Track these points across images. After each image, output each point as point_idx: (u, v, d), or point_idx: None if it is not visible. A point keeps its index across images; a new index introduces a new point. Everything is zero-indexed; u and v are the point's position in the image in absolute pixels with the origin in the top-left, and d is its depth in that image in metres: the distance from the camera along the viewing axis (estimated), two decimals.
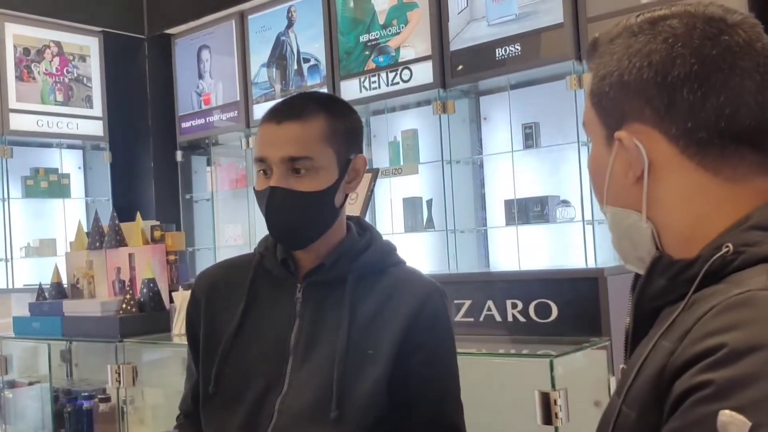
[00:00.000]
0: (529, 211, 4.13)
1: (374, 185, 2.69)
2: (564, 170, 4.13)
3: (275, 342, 1.42)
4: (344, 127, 1.42)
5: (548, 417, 1.75)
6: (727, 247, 0.82)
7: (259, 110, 5.09)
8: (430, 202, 4.53)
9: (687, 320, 0.80)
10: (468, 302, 2.18)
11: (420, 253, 4.48)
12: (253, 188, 1.44)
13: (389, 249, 1.51)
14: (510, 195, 4.22)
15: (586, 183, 3.88)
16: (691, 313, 0.81)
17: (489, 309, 2.14)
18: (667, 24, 0.90)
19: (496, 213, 4.38)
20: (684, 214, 0.90)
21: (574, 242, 4.00)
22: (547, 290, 2.05)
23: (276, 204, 1.37)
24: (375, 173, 2.73)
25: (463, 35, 4.25)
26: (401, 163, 4.54)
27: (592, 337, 1.96)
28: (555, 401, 1.73)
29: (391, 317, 1.39)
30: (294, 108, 1.40)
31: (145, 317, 2.73)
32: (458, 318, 2.19)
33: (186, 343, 1.58)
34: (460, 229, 4.32)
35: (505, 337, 2.08)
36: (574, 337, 1.98)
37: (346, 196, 1.46)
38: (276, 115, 1.40)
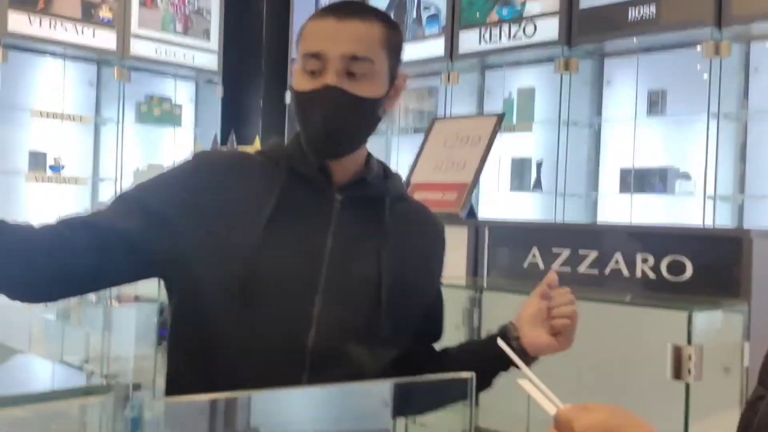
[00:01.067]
0: (646, 181, 3.96)
1: (498, 129, 2.61)
2: (688, 142, 3.93)
3: (310, 246, 1.31)
4: (397, 39, 1.33)
5: (679, 372, 1.65)
6: None
7: None
8: (540, 164, 4.40)
9: None
10: (594, 253, 2.09)
11: (524, 215, 4.37)
12: (290, 88, 1.32)
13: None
14: (627, 163, 4.06)
15: (712, 156, 3.69)
16: None
17: (616, 262, 2.05)
18: None
19: (609, 180, 4.23)
20: None
21: (690, 217, 3.82)
22: (684, 247, 1.94)
23: (329, 105, 1.26)
24: (500, 118, 2.65)
25: None
26: (514, 122, 4.43)
27: (728, 300, 1.84)
28: (690, 356, 1.63)
29: (423, 243, 1.42)
30: (354, 7, 1.30)
31: None
32: (582, 270, 2.10)
33: None
34: (570, 193, 4.19)
35: (633, 292, 1.99)
36: (709, 298, 1.87)
37: (385, 111, 1.35)
38: (336, 12, 1.28)
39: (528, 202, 4.45)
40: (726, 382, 1.83)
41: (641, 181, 3.98)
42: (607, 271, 2.06)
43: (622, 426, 0.88)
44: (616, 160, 4.19)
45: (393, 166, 4.54)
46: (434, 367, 1.36)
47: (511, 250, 2.25)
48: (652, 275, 1.98)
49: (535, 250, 2.19)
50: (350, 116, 1.28)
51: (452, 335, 2.30)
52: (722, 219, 3.72)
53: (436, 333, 1.49)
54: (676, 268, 1.95)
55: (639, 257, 2.01)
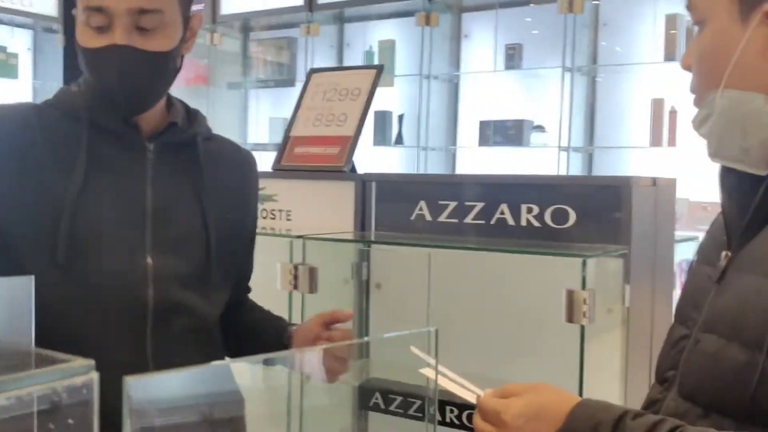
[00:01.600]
0: (504, 133, 4.11)
1: (378, 82, 2.60)
2: (544, 95, 4.11)
3: (130, 201, 1.29)
4: None
5: (572, 316, 1.74)
6: None
7: (228, 4, 4.85)
8: (401, 117, 4.45)
9: None
10: (480, 204, 2.14)
11: (387, 168, 4.41)
12: (76, 42, 1.24)
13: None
14: (486, 116, 4.18)
15: (566, 109, 3.87)
16: None
17: (502, 213, 2.11)
18: None
19: (468, 133, 4.34)
20: None
21: (546, 168, 4.01)
22: (567, 196, 2.02)
23: (122, 65, 1.20)
24: (380, 70, 2.63)
25: None
26: None
27: (609, 245, 1.94)
28: (584, 300, 1.72)
29: (238, 180, 1.46)
30: None
31: None
32: (468, 220, 2.15)
33: None
34: (431, 146, 4.26)
35: (520, 240, 2.06)
36: (592, 245, 1.96)
37: (182, 57, 1.33)
38: None
39: (390, 156, 4.50)
40: (609, 323, 1.94)
41: (499, 133, 4.12)
42: (493, 221, 2.11)
43: (546, 403, 0.93)
44: (474, 114, 4.31)
45: (252, 120, 4.44)
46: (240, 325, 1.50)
47: (397, 203, 2.26)
48: (537, 224, 2.06)
49: (422, 204, 2.22)
50: (146, 74, 1.24)
51: (341, 289, 2.31)
52: (574, 169, 3.93)
53: (249, 272, 1.58)
54: (560, 216, 2.03)
55: (524, 207, 2.08)
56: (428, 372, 1.02)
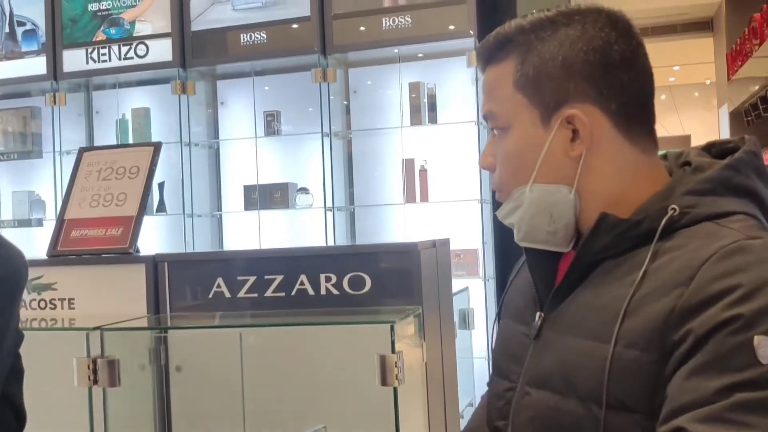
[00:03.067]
0: (269, 197, 4.20)
1: (158, 158, 2.58)
2: (304, 159, 4.27)
3: None
4: None
5: (385, 379, 1.85)
6: (673, 209, 0.98)
7: None
8: (161, 185, 4.37)
9: (666, 269, 0.94)
10: (280, 277, 2.20)
11: (152, 238, 4.30)
12: None
13: None
14: (250, 180, 4.24)
15: (327, 171, 4.05)
16: (665, 263, 0.95)
17: (302, 283, 2.19)
18: (591, 16, 1.05)
19: (232, 198, 4.37)
20: (614, 182, 1.04)
21: (313, 228, 4.16)
22: (362, 263, 2.15)
23: None
24: (158, 147, 2.61)
25: (206, 16, 4.18)
26: (131, 142, 4.32)
27: (405, 306, 2.10)
28: (396, 363, 1.84)
29: None
30: None
31: None
32: (268, 293, 2.20)
33: None
34: (197, 213, 4.24)
35: (321, 309, 2.14)
36: (388, 307, 2.11)
37: None
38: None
39: (152, 225, 4.38)
40: (411, 380, 2.09)
41: (264, 197, 4.20)
42: (294, 292, 2.19)
43: None
44: (238, 179, 4.35)
45: None
46: None
47: (193, 282, 2.25)
48: (335, 291, 2.16)
49: (219, 281, 2.23)
50: None
51: (139, 376, 2.24)
52: (339, 228, 4.12)
53: None
54: (357, 283, 2.16)
55: (323, 276, 2.18)
56: None
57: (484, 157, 1.13)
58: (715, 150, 1.10)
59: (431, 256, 2.22)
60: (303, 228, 4.25)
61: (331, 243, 4.04)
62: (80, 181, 2.57)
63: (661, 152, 1.18)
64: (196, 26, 4.19)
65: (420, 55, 4.11)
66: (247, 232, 4.27)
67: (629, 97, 1.04)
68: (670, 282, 0.92)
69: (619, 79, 1.03)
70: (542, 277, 1.12)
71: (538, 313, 1.09)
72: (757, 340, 0.84)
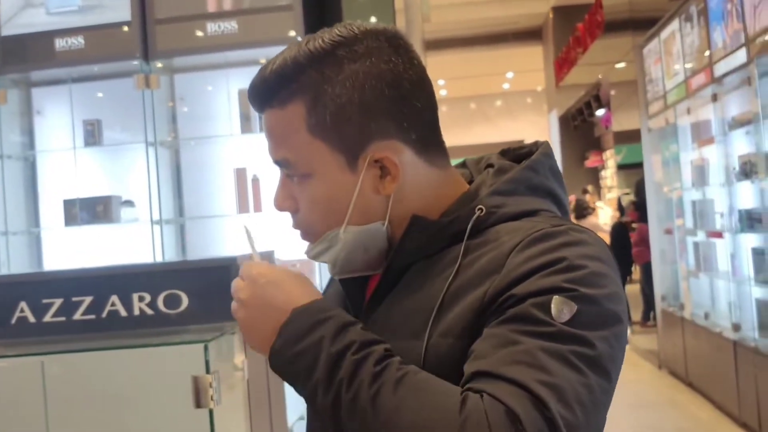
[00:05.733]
0: (91, 211, 3.98)
1: None
2: (128, 169, 4.08)
3: None
4: None
5: (200, 401, 1.79)
6: (480, 209, 1.02)
7: None
8: None
9: (477, 263, 0.97)
10: (88, 299, 2.08)
11: None
12: None
13: None
14: (69, 194, 4.01)
15: (153, 182, 3.90)
16: (475, 258, 0.98)
17: (113, 304, 2.07)
18: (372, 44, 1.01)
19: (51, 213, 4.11)
20: (420, 202, 1.06)
21: (140, 242, 3.98)
22: (178, 281, 2.07)
23: None
24: None
25: (18, 20, 3.91)
26: None
27: (223, 323, 2.03)
28: (210, 384, 1.78)
29: None
30: None
31: None
32: (77, 316, 2.07)
33: None
34: (12, 231, 3.95)
35: (136, 331, 2.04)
36: (206, 325, 2.03)
37: None
38: None
39: None
40: (232, 399, 2.02)
41: (86, 211, 3.98)
42: (105, 314, 2.07)
43: (294, 284, 0.99)
44: (57, 192, 4.10)
45: None
46: None
47: None
48: (150, 311, 2.06)
49: (23, 305, 2.07)
50: None
51: None
52: (168, 242, 3.97)
53: None
54: (173, 301, 2.07)
55: (135, 296, 2.07)
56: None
57: (281, 201, 1.07)
58: (510, 155, 1.14)
59: None
60: (130, 244, 4.06)
61: (159, 259, 3.88)
62: None
63: (459, 160, 1.21)
64: (6, 30, 3.91)
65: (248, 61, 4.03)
66: (70, 250, 4.03)
67: (424, 122, 1.04)
68: (481, 272, 0.96)
69: (415, 107, 1.02)
70: (355, 287, 1.12)
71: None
72: (555, 301, 0.89)
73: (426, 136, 1.05)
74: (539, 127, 16.99)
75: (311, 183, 1.03)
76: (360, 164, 1.01)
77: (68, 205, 4.01)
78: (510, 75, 17.96)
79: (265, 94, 1.03)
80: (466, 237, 1.00)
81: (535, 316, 0.88)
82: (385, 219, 1.04)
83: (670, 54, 6.66)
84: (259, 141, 4.03)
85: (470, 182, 1.11)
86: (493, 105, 18.50)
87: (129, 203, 4.02)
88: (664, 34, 6.77)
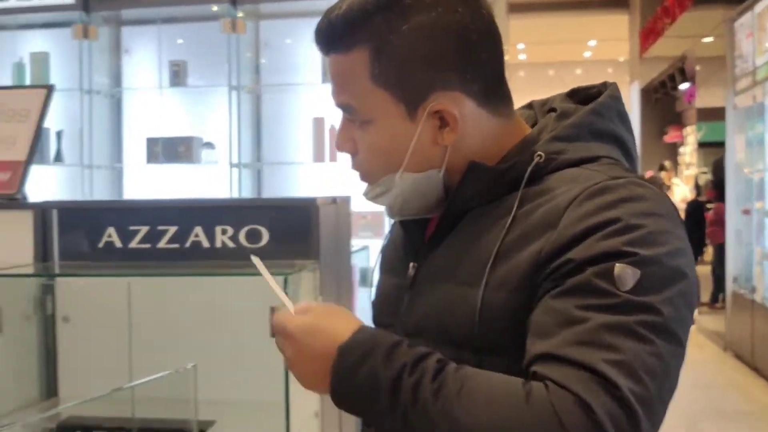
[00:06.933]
0: (173, 150, 4.08)
1: (50, 102, 2.46)
2: (211, 112, 4.16)
3: None
4: None
5: None
6: (539, 155, 1.00)
7: None
8: (59, 134, 4.19)
9: (534, 213, 0.95)
10: (173, 229, 2.15)
11: (48, 188, 4.14)
12: None
13: None
14: (152, 133, 4.12)
15: (234, 126, 3.97)
16: (533, 207, 0.96)
17: (197, 235, 2.14)
18: None
19: (135, 150, 4.24)
20: (479, 151, 1.04)
21: (218, 185, 4.08)
22: (259, 217, 2.12)
23: None
24: (50, 89, 2.49)
25: None
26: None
27: (302, 261, 2.08)
28: None
29: None
30: None
31: None
32: (161, 244, 2.15)
33: None
34: (96, 164, 4.09)
35: (216, 262, 2.11)
36: (284, 261, 2.09)
37: None
38: None
39: (50, 175, 4.22)
40: None
41: (168, 150, 4.09)
42: (188, 244, 2.14)
43: (329, 322, 0.96)
44: (140, 130, 4.22)
45: None
46: None
47: (83, 231, 2.17)
48: (231, 244, 2.13)
49: (111, 230, 2.16)
50: None
51: (23, 326, 2.15)
52: (245, 185, 4.05)
53: None
54: (254, 236, 2.13)
55: (218, 229, 2.14)
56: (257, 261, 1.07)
57: (342, 143, 1.08)
58: (579, 97, 1.11)
59: (331, 212, 2.21)
60: (208, 185, 4.16)
61: None
62: None
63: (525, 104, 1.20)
64: None
65: None
66: (149, 186, 4.16)
67: (489, 73, 1.03)
68: (538, 225, 0.94)
69: (479, 58, 1.01)
70: (415, 229, 1.13)
71: (411, 264, 1.10)
72: (617, 269, 0.86)
73: (489, 87, 1.04)
74: None
75: (371, 129, 1.03)
76: (420, 114, 1.01)
77: (151, 143, 4.12)
78: (592, 43, 17.53)
79: (330, 38, 1.03)
80: (523, 185, 0.99)
81: (597, 287, 0.86)
82: (442, 167, 1.03)
83: (764, 29, 6.40)
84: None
85: (534, 125, 1.10)
86: (573, 73, 18.11)
87: (209, 145, 4.11)
88: (759, 7, 6.51)
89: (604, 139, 1.03)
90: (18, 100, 2.46)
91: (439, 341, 0.98)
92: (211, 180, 4.14)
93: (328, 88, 1.08)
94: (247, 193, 4.03)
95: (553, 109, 1.09)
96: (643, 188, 0.94)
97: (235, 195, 3.96)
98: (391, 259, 1.19)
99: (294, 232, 2.11)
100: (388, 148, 1.03)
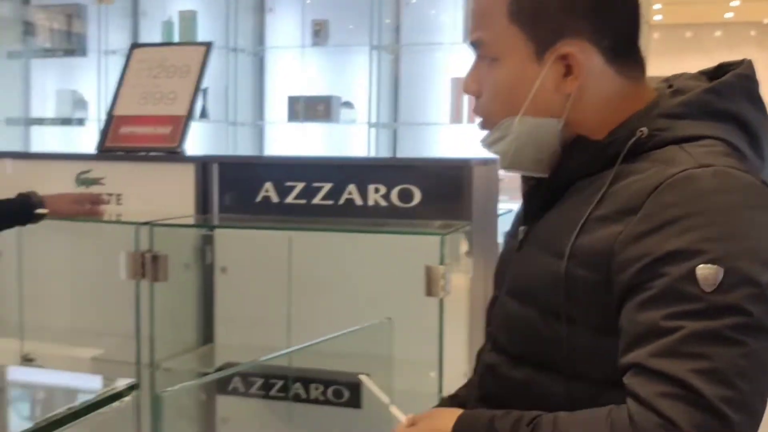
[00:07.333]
0: (313, 109, 4.15)
1: (208, 59, 2.54)
2: (351, 72, 4.19)
3: None
4: None
5: (432, 290, 1.85)
6: (641, 131, 0.98)
7: None
8: (205, 91, 4.33)
9: (623, 193, 0.95)
10: (328, 185, 2.18)
11: (193, 144, 4.29)
12: None
13: None
14: (293, 91, 4.19)
15: (373, 86, 3.99)
16: (623, 186, 0.96)
17: (350, 193, 2.17)
18: None
19: (277, 108, 4.33)
20: (600, 112, 1.03)
21: (355, 143, 4.12)
22: (412, 176, 2.12)
23: None
24: (209, 46, 2.57)
25: None
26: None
27: (454, 222, 2.07)
28: (442, 275, 1.83)
29: None
30: None
31: None
32: (316, 201, 2.19)
33: None
34: (240, 121, 4.21)
35: (369, 219, 2.13)
36: (437, 221, 2.09)
37: None
38: None
39: (195, 131, 4.36)
40: (455, 293, 2.08)
41: (308, 109, 4.16)
42: (342, 200, 2.17)
43: (436, 424, 1.04)
44: (281, 89, 4.30)
45: (36, 93, 4.17)
46: None
47: (241, 186, 2.24)
48: (383, 203, 2.14)
49: (268, 185, 2.22)
50: None
51: (183, 274, 2.26)
52: (382, 145, 4.08)
53: None
54: (406, 195, 2.13)
55: (371, 187, 2.16)
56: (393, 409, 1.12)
57: (468, 83, 1.11)
58: (722, 71, 1.07)
59: (483, 174, 2.19)
60: (345, 143, 4.21)
61: None
62: (130, 78, 2.55)
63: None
64: None
65: None
66: (289, 144, 4.24)
67: (622, 31, 1.03)
68: (622, 207, 0.94)
69: (615, 14, 1.02)
70: (532, 195, 1.14)
71: (521, 228, 1.13)
72: (700, 269, 0.86)
73: (620, 45, 1.03)
74: (761, 65, 15.58)
75: (498, 67, 1.05)
76: (547, 57, 1.01)
77: (292, 101, 4.20)
78: (735, 3, 16.50)
79: None
80: (620, 161, 0.98)
81: (682, 293, 0.86)
82: (561, 118, 1.03)
83: None
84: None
85: None
86: (712, 35, 17.10)
87: (348, 104, 4.15)
88: None
89: (719, 119, 1.00)
90: (179, 57, 2.55)
91: (528, 304, 1.03)
92: (348, 139, 4.19)
93: (468, 48, 1.11)
94: (384, 153, 4.05)
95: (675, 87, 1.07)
96: (734, 178, 0.92)
97: (372, 154, 3.98)
98: (515, 223, 1.23)
99: (446, 192, 2.10)
100: (511, 88, 1.04)
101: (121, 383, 0.48)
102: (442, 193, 2.11)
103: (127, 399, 0.52)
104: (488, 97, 1.08)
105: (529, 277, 1.04)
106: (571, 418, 0.92)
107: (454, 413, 1.03)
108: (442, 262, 1.84)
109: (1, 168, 2.40)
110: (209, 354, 2.28)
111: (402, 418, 1.08)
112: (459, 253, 2.07)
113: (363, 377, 1.16)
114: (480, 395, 1.12)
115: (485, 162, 2.24)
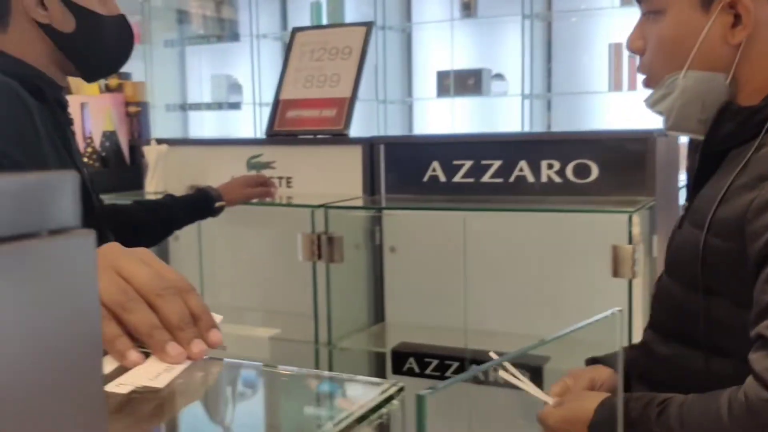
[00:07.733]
0: (462, 83, 4.08)
1: (369, 39, 2.52)
2: (501, 43, 4.09)
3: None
4: None
5: (619, 270, 1.76)
6: None
7: None
8: None
9: (764, 159, 0.92)
10: (497, 163, 2.12)
11: None
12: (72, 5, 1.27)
13: None
14: (441, 66, 4.14)
15: (527, 57, 3.87)
16: (765, 153, 0.93)
17: (521, 170, 2.10)
18: None
19: (425, 84, 4.29)
20: (766, 69, 0.98)
21: (507, 116, 4.02)
22: (588, 151, 2.03)
23: (126, 34, 1.41)
24: (370, 27, 2.55)
25: None
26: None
27: (635, 197, 1.97)
28: (632, 255, 1.74)
29: None
30: None
31: (110, 173, 2.46)
32: (485, 179, 2.13)
33: None
34: (390, 99, 4.20)
35: (543, 197, 2.05)
36: (617, 197, 1.98)
37: None
38: None
39: None
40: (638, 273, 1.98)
41: (457, 83, 4.09)
42: (512, 178, 2.11)
43: (580, 409, 1.06)
44: (429, 64, 4.26)
45: (192, 79, 4.26)
46: None
47: (408, 166, 2.22)
48: (558, 179, 2.06)
49: (435, 164, 2.18)
50: (131, 44, 1.44)
51: (354, 255, 2.26)
52: (536, 117, 3.96)
53: None
54: (582, 171, 2.04)
55: (544, 164, 2.08)
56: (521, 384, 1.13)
57: (633, 40, 1.09)
58: None
59: (665, 145, 2.06)
60: (496, 116, 4.12)
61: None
62: (294, 62, 2.58)
63: None
64: None
65: None
66: (438, 120, 4.20)
67: None
68: (759, 174, 0.92)
69: None
70: (702, 169, 1.10)
71: (684, 203, 1.14)
72: None
73: None
74: None
75: (662, 21, 1.02)
76: (714, 6, 0.98)
77: (441, 76, 4.14)
78: None
79: None
80: (765, 129, 0.94)
81: None
82: (729, 73, 0.99)
83: None
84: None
85: None
86: None
87: (499, 77, 4.05)
88: None
89: None
90: (341, 39, 2.55)
91: (675, 278, 1.04)
92: (500, 112, 4.09)
93: (627, 11, 1.07)
94: (537, 125, 3.93)
95: None
96: None
97: (526, 127, 3.88)
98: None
99: (627, 167, 1.99)
100: (676, 41, 1.01)
101: (386, 385, 0.47)
102: (622, 167, 2.00)
103: (396, 403, 0.50)
104: (652, 52, 1.05)
105: (679, 251, 1.05)
106: (697, 399, 0.94)
107: (600, 396, 1.05)
108: (630, 242, 1.75)
109: (175, 154, 2.49)
110: (380, 333, 2.28)
111: (549, 399, 1.10)
112: (644, 230, 1.96)
113: (493, 353, 1.15)
114: (638, 373, 1.13)
115: (664, 133, 2.11)
